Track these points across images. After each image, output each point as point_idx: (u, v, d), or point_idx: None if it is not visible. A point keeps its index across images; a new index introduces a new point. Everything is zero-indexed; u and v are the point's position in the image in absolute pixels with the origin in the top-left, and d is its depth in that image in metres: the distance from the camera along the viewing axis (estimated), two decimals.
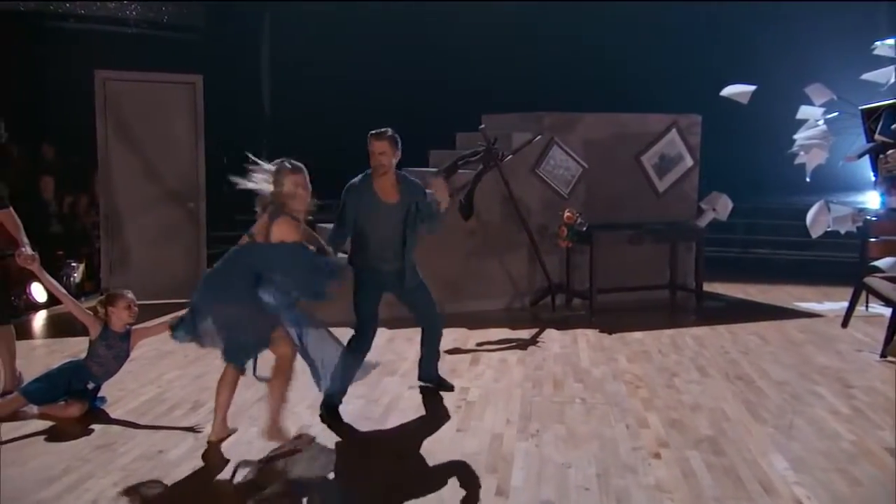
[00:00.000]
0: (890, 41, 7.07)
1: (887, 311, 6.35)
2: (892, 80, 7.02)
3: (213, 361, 5.68)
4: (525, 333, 6.60)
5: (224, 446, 4.07)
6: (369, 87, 11.97)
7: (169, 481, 3.64)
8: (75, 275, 7.71)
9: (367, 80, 12.02)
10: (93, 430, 4.27)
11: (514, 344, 6.28)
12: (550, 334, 6.63)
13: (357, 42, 12.15)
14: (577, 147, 7.88)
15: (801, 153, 7.69)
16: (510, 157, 7.53)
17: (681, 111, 8.37)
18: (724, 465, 3.90)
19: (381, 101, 11.85)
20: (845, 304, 7.03)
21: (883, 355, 5.86)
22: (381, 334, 6.51)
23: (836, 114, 7.54)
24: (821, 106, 7.50)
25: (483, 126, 7.39)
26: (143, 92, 7.62)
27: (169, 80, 7.80)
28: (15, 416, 4.40)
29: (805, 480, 3.71)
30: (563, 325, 6.99)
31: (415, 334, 6.48)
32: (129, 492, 3.52)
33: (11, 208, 4.62)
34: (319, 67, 12.18)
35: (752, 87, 7.62)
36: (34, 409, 4.44)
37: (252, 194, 4.14)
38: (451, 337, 6.42)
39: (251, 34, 12.55)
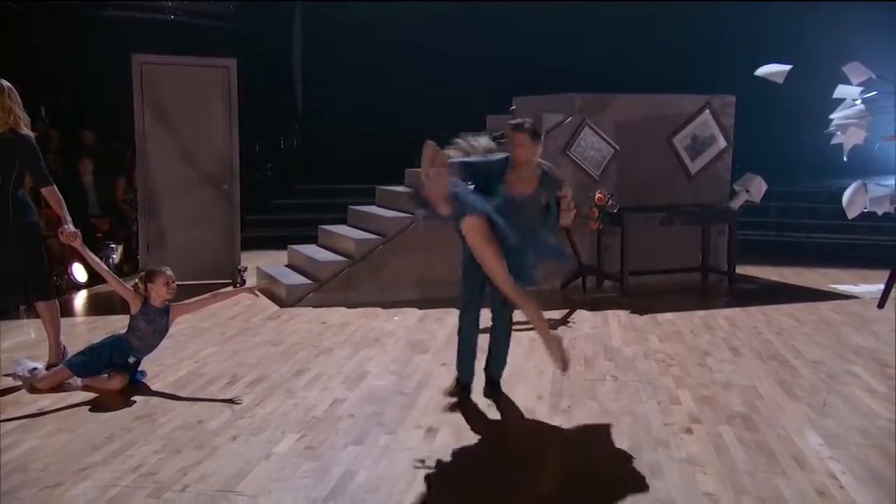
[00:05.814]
0: None
1: None
2: None
3: (250, 339, 5.81)
4: (555, 314, 6.60)
5: (261, 416, 4.17)
6: (400, 72, 12.02)
7: (209, 449, 3.73)
8: (114, 256, 7.89)
9: (398, 65, 12.07)
10: (134, 402, 4.39)
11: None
12: (581, 315, 6.64)
13: (387, 27, 12.20)
14: (608, 128, 7.84)
15: (838, 133, 7.57)
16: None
17: (714, 91, 8.27)
18: (757, 440, 3.89)
19: (412, 85, 11.91)
20: (882, 286, 6.93)
21: None
22: (413, 314, 6.61)
23: (874, 93, 7.40)
24: (858, 85, 7.36)
25: (513, 107, 7.39)
26: (178, 76, 7.74)
27: (203, 64, 7.92)
28: (60, 387, 4.55)
29: (840, 455, 3.69)
30: (593, 306, 6.99)
31: (445, 315, 6.57)
32: (172, 458, 3.63)
33: (55, 186, 4.75)
34: (350, 52, 12.25)
35: (787, 67, 7.51)
36: (78, 381, 4.58)
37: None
38: (482, 316, 6.44)
39: (283, 19, 12.66)
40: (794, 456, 3.70)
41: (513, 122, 4.42)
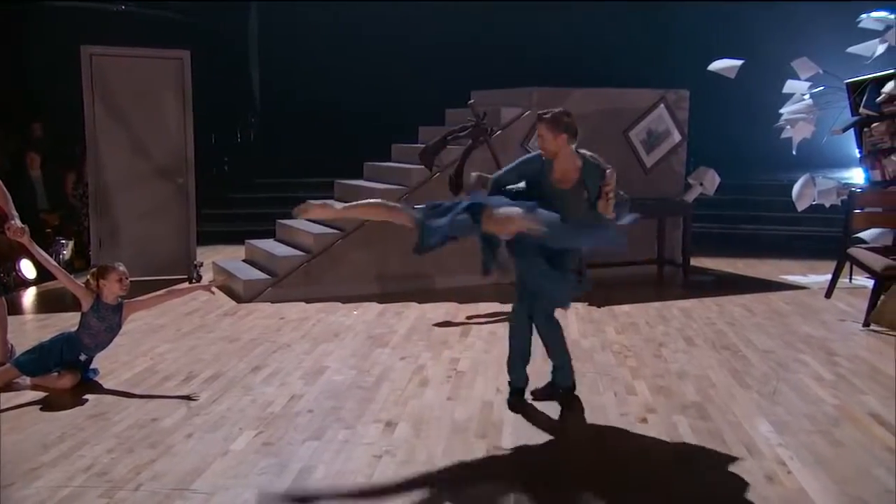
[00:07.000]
0: (876, 14, 7.12)
1: (870, 284, 6.45)
2: (878, 53, 7.09)
3: (205, 335, 5.73)
4: None
5: (218, 413, 4.12)
6: (358, 65, 11.95)
7: (163, 448, 3.68)
8: (64, 252, 7.69)
9: (356, 58, 11.99)
10: (86, 401, 4.30)
11: (503, 317, 6.31)
12: None
13: (345, 20, 12.11)
14: None
15: (788, 127, 7.77)
16: (499, 132, 7.56)
17: (669, 86, 8.40)
18: (710, 428, 3.98)
19: (370, 78, 11.85)
20: (829, 276, 7.13)
21: (866, 324, 5.96)
22: (372, 308, 6.59)
23: (821, 88, 7.61)
24: (807, 80, 7.57)
25: (472, 101, 7.38)
26: (130, 67, 7.56)
27: (156, 56, 7.75)
28: (8, 386, 4.43)
29: (788, 442, 3.80)
30: None
31: (404, 309, 6.58)
32: (125, 457, 3.56)
33: None
34: (308, 45, 12.13)
35: (739, 62, 7.68)
36: (27, 380, 4.47)
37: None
38: (442, 310, 6.48)
39: (239, 10, 12.46)
40: (745, 443, 3.79)
41: (539, 111, 4.22)
